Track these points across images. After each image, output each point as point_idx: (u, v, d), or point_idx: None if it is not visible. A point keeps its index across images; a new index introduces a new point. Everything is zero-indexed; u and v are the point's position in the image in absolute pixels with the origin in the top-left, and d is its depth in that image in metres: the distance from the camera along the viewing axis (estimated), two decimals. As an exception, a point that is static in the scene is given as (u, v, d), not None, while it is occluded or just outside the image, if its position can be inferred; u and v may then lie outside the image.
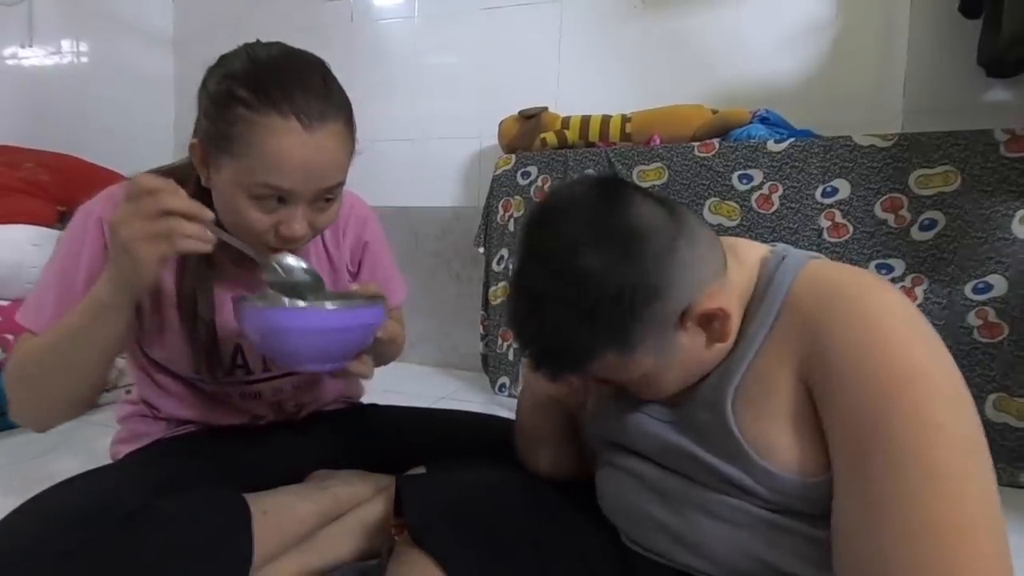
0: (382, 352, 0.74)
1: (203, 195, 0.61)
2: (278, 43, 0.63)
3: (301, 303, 0.62)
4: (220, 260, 0.69)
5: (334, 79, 0.63)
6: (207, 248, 0.55)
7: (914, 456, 0.38)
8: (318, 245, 0.80)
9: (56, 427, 0.66)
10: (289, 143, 0.57)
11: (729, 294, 0.49)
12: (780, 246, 0.54)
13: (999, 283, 1.12)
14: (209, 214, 0.55)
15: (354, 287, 0.69)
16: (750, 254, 0.53)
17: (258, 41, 0.63)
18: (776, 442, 0.45)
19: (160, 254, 0.52)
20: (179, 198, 0.53)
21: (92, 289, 0.58)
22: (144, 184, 0.52)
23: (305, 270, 0.64)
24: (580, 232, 0.46)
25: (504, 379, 1.62)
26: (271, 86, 0.57)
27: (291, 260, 0.64)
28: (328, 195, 0.62)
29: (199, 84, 0.62)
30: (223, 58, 0.62)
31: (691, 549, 0.49)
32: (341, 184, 0.64)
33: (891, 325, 0.42)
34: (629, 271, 0.45)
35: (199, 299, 0.68)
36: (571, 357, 0.48)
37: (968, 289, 1.15)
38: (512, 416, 0.72)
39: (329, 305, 0.61)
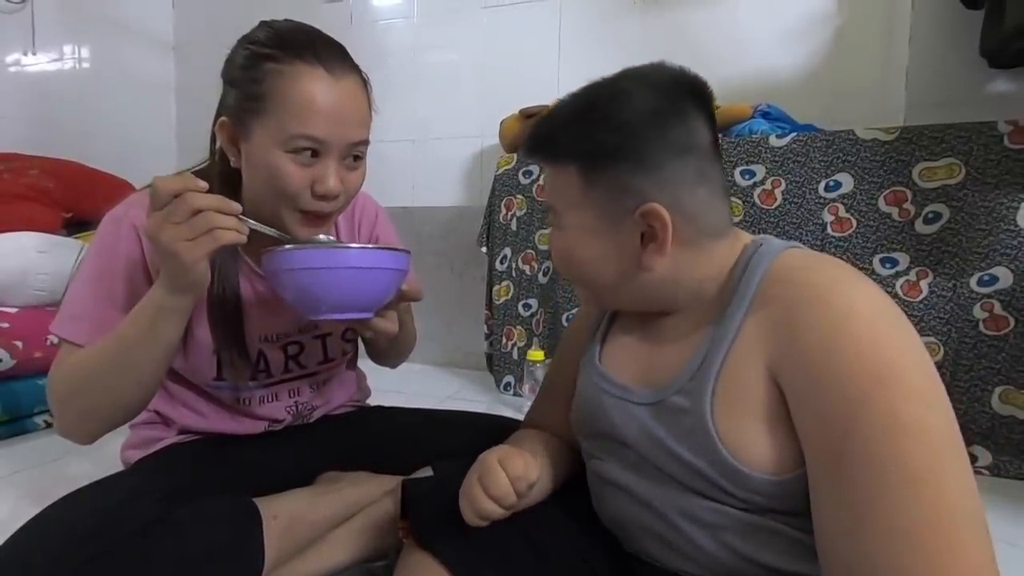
0: (396, 341, 0.75)
1: (226, 193, 0.61)
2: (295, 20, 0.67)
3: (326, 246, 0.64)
4: (245, 261, 0.71)
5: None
6: (243, 239, 0.56)
7: (890, 459, 0.37)
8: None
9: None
10: (319, 88, 0.60)
11: (703, 254, 0.51)
12: (763, 236, 0.54)
13: (1004, 275, 1.12)
14: (237, 206, 0.56)
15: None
16: (740, 240, 0.54)
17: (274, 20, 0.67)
18: (749, 439, 0.45)
19: (205, 251, 0.54)
20: (206, 195, 0.54)
21: (147, 295, 0.59)
22: (167, 187, 0.53)
23: (336, 242, 0.68)
24: (642, 78, 0.51)
25: (509, 378, 1.63)
26: (295, 42, 0.61)
27: (323, 238, 0.66)
28: (356, 151, 0.65)
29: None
30: (244, 36, 0.65)
31: (681, 553, 0.50)
32: (366, 143, 0.66)
33: (858, 324, 0.41)
34: (636, 126, 0.48)
35: (227, 298, 0.69)
36: (548, 144, 0.54)
37: (973, 282, 1.14)
38: (516, 415, 0.72)
39: (354, 246, 0.65)
